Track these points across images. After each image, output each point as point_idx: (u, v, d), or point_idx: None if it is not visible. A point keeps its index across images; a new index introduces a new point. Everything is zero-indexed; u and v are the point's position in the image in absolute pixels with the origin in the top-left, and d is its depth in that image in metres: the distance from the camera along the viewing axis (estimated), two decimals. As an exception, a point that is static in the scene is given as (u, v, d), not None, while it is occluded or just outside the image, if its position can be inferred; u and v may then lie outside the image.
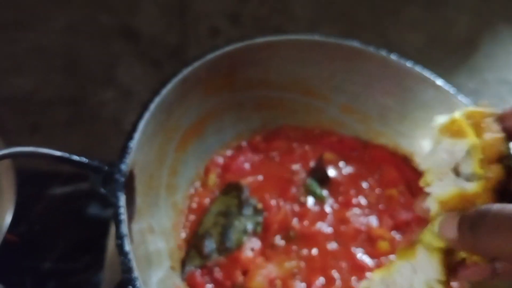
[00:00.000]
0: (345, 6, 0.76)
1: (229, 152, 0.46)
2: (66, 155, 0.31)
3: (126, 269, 0.29)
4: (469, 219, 0.26)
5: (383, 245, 0.42)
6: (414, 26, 0.74)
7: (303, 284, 0.39)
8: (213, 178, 0.44)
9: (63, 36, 0.66)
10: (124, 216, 0.30)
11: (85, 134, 0.59)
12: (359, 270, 0.40)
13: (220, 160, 0.45)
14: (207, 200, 0.42)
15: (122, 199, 0.31)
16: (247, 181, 0.44)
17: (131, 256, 0.29)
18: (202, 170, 0.44)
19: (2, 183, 0.41)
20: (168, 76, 0.40)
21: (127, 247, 0.29)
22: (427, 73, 0.46)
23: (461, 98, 0.45)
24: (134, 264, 0.29)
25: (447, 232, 0.27)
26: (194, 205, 0.42)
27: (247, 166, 0.45)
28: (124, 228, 0.30)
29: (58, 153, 0.31)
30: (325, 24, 0.73)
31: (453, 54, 0.74)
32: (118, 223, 0.30)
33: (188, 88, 0.40)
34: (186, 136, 0.42)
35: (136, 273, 0.29)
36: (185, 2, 0.73)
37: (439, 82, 0.46)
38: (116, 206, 0.30)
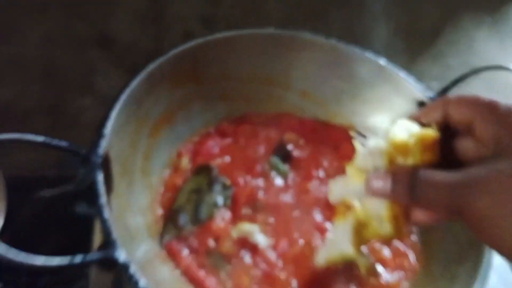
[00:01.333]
0: (316, 5, 0.80)
1: (198, 138, 0.50)
2: (48, 140, 0.36)
3: (107, 233, 0.33)
4: (405, 179, 0.31)
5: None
6: (381, 19, 0.78)
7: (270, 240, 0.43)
8: (185, 162, 0.48)
9: (39, 47, 0.69)
10: (102, 190, 0.35)
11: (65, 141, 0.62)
12: (320, 230, 0.45)
13: (191, 145, 0.50)
14: (180, 181, 0.47)
15: (100, 176, 0.35)
16: (216, 162, 0.48)
17: (109, 223, 0.33)
18: (175, 154, 0.49)
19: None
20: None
21: (106, 214, 0.34)
22: (370, 55, 0.51)
23: (403, 74, 0.50)
24: (113, 228, 0.33)
25: (379, 188, 0.32)
26: (169, 186, 0.46)
27: (216, 149, 0.50)
28: (103, 199, 0.34)
29: (40, 138, 0.36)
30: (297, 23, 0.77)
31: (418, 43, 0.78)
32: (97, 196, 0.34)
33: (154, 81, 0.45)
34: (158, 125, 0.47)
35: (115, 234, 0.33)
36: (158, 7, 0.76)
37: (382, 62, 0.51)
38: (94, 182, 0.35)
